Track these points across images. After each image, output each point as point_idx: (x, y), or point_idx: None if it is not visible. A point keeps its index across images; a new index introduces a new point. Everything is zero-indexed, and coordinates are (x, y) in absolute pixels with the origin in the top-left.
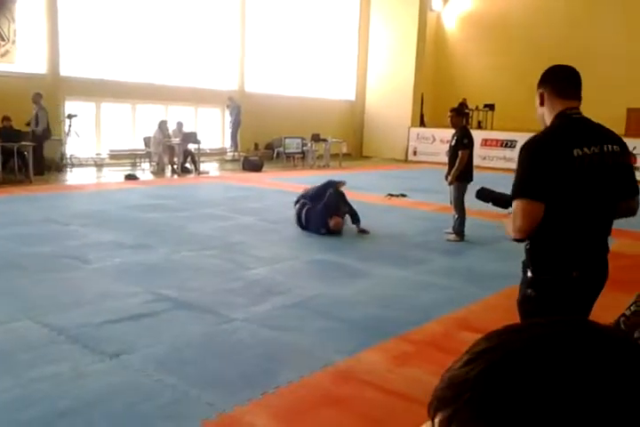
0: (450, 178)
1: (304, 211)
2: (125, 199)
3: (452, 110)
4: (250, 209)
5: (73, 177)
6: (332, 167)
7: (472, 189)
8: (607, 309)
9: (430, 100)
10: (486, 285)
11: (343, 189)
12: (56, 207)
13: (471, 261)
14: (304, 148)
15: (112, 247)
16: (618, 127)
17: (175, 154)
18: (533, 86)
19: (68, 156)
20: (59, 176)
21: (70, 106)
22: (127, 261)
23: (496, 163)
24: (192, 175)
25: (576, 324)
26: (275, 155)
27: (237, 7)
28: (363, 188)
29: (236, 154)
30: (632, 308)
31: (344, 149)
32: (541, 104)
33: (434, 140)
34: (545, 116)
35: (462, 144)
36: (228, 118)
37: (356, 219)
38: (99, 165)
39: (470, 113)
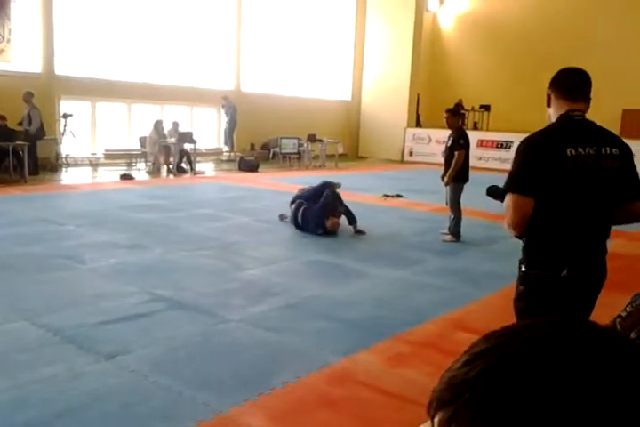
0: (446, 178)
1: (301, 211)
2: (121, 199)
3: (448, 111)
4: (246, 209)
5: (68, 177)
6: (328, 168)
7: (468, 190)
8: (603, 309)
9: (426, 100)
10: (482, 285)
11: (339, 190)
12: (51, 207)
13: (467, 261)
14: (300, 148)
15: (107, 247)
16: (613, 128)
17: (171, 154)
18: (529, 87)
19: (64, 155)
20: (54, 176)
21: (65, 105)
22: (123, 262)
23: (491, 164)
24: (188, 175)
25: (575, 324)
26: (271, 155)
27: (233, 7)
28: (359, 188)
29: (232, 154)
30: (628, 308)
31: (340, 150)
32: (548, 105)
33: (430, 140)
34: (551, 116)
35: (458, 145)
36: (224, 118)
37: (352, 220)
38: (94, 164)
39: (466, 114)
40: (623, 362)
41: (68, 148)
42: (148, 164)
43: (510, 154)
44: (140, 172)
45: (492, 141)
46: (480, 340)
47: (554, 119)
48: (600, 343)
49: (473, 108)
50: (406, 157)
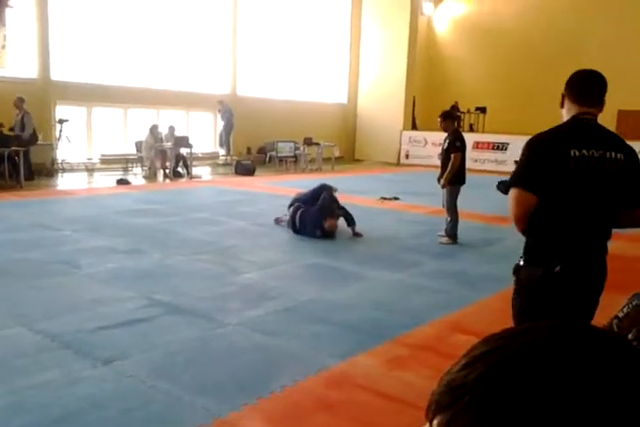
0: (442, 181)
1: (298, 213)
2: (117, 204)
3: (440, 115)
4: (242, 213)
5: (64, 182)
6: (325, 171)
7: (465, 192)
8: (601, 310)
9: (422, 103)
10: (479, 287)
11: (335, 194)
12: (48, 213)
13: (464, 263)
14: (296, 151)
15: (104, 253)
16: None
17: (167, 158)
18: (525, 89)
19: (59, 161)
20: (50, 181)
21: (61, 110)
22: (120, 267)
23: (488, 166)
24: (184, 180)
25: (575, 328)
26: (267, 159)
27: (229, 11)
28: (355, 191)
29: (228, 158)
30: (625, 309)
31: (336, 153)
32: (561, 106)
33: (426, 143)
34: (563, 117)
35: (455, 147)
36: (220, 122)
37: (351, 222)
38: (90, 169)
39: (462, 116)
40: (622, 365)
41: (63, 153)
42: (145, 168)
43: (506, 156)
44: (137, 176)
45: (488, 143)
46: (479, 343)
47: (565, 120)
48: (599, 346)
49: (469, 111)
50: (402, 160)
